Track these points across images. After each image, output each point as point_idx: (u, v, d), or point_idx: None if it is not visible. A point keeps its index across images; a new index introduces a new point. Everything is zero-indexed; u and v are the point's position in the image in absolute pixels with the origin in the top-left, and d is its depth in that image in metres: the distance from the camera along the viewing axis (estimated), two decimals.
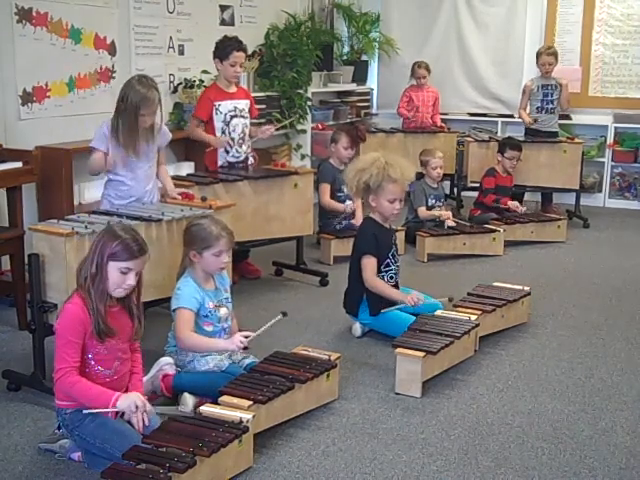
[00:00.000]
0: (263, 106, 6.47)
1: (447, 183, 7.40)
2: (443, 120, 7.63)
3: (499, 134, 7.95)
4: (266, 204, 4.80)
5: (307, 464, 2.90)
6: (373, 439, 3.10)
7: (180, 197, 4.11)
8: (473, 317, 3.96)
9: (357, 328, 4.20)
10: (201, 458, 2.61)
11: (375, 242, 4.13)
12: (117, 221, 3.48)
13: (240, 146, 5.02)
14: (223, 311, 3.50)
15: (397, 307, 4.05)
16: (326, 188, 5.69)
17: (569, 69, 7.80)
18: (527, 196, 7.22)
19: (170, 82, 5.94)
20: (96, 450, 2.78)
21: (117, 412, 2.79)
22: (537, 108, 7.04)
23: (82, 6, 5.07)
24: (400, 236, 5.51)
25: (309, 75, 7.19)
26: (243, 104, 5.03)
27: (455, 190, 7.31)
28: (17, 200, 4.34)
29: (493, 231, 5.87)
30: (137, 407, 2.75)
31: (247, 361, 3.47)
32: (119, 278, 2.83)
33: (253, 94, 5.77)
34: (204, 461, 2.62)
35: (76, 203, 4.84)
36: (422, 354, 3.47)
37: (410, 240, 5.86)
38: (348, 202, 5.71)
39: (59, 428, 2.95)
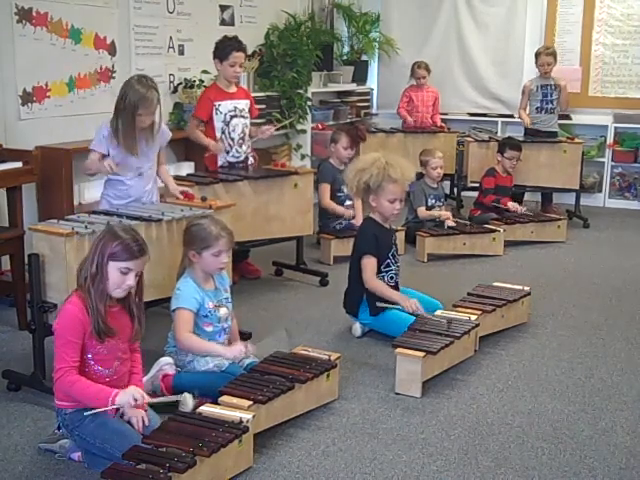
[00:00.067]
0: (263, 106, 6.47)
1: (447, 183, 7.40)
2: (443, 120, 7.63)
3: (499, 134, 7.95)
4: (266, 204, 4.80)
5: (307, 464, 2.90)
6: (373, 439, 3.10)
7: (182, 196, 4.11)
8: (473, 317, 3.96)
9: (357, 328, 4.20)
10: (201, 458, 2.61)
11: (375, 242, 4.13)
12: (117, 221, 3.48)
13: (240, 146, 5.01)
14: (223, 311, 3.50)
15: (395, 307, 4.05)
16: (326, 189, 5.69)
17: (569, 69, 7.80)
18: (527, 196, 7.22)
19: (170, 82, 5.95)
20: (96, 450, 2.78)
21: (117, 409, 2.79)
22: (537, 108, 7.04)
23: (82, 6, 5.07)
24: (400, 236, 5.51)
25: (309, 75, 7.19)
26: (243, 104, 5.03)
27: (455, 190, 7.31)
28: (17, 200, 4.34)
29: (493, 231, 5.87)
30: (136, 400, 2.75)
31: (247, 361, 3.47)
32: (119, 278, 2.83)
33: (253, 94, 5.77)
34: (204, 461, 2.62)
35: (76, 203, 4.84)
36: (422, 354, 3.47)
37: (410, 240, 5.86)
38: (348, 202, 5.72)
39: (59, 428, 2.95)
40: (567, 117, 7.77)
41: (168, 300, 3.48)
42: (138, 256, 2.85)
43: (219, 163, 4.98)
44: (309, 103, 7.27)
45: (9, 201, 4.36)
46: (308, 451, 3.00)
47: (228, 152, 4.97)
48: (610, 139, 7.76)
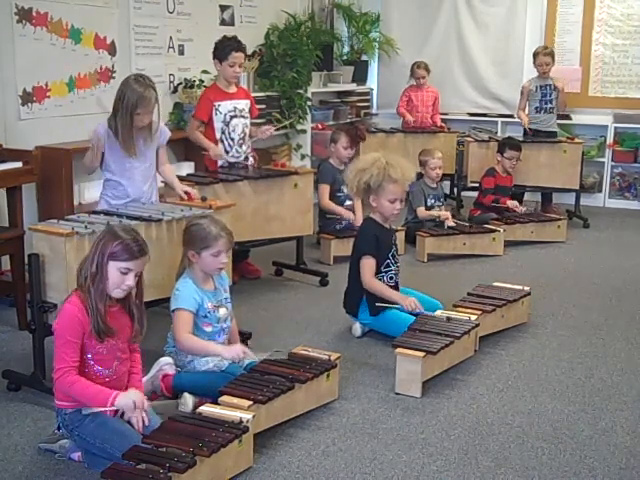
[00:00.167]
0: (263, 106, 6.47)
1: (447, 183, 7.40)
2: (443, 120, 7.63)
3: (499, 134, 7.95)
4: (266, 204, 4.80)
5: (307, 464, 2.90)
6: (373, 439, 3.10)
7: (186, 197, 4.10)
8: (473, 317, 3.96)
9: (357, 328, 4.20)
10: (201, 458, 2.61)
11: (375, 243, 4.13)
12: (117, 221, 3.48)
13: (240, 146, 5.01)
14: (222, 311, 3.50)
15: (394, 306, 4.05)
16: (325, 189, 5.69)
17: (569, 69, 7.81)
18: (527, 196, 7.22)
19: (170, 82, 5.95)
20: (96, 450, 2.78)
21: (116, 410, 2.79)
22: (536, 108, 7.04)
23: (82, 6, 5.07)
24: (400, 236, 5.51)
25: (309, 75, 7.19)
26: (243, 104, 5.02)
27: (455, 190, 7.31)
28: (17, 200, 4.34)
29: (493, 231, 5.87)
30: (135, 404, 2.74)
31: (247, 361, 3.47)
32: (118, 278, 2.83)
33: (253, 94, 5.77)
34: (204, 461, 2.62)
35: (76, 203, 4.84)
36: (422, 354, 3.47)
37: (410, 240, 5.86)
38: (348, 202, 5.71)
39: (59, 428, 2.94)
40: (567, 117, 7.77)
41: (168, 300, 3.48)
42: (138, 256, 2.85)
43: (219, 163, 4.97)
44: (309, 103, 7.27)
45: (9, 201, 4.36)
46: (308, 451, 3.00)
47: (228, 152, 4.97)
48: (610, 139, 7.76)
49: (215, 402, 3.02)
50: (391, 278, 4.21)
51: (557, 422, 3.26)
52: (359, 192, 4.21)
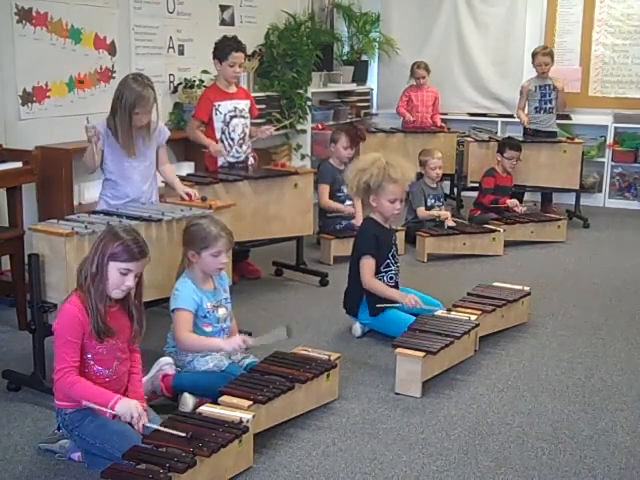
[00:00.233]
0: (263, 106, 6.47)
1: (447, 183, 7.40)
2: (443, 120, 7.63)
3: (499, 134, 7.95)
4: (266, 204, 4.80)
5: (307, 464, 2.90)
6: (373, 439, 3.10)
7: (187, 197, 4.09)
8: (473, 317, 3.96)
9: (357, 328, 4.20)
10: (201, 458, 2.61)
11: (375, 243, 4.13)
12: (117, 221, 3.48)
13: (240, 146, 5.01)
14: (222, 311, 3.50)
15: (394, 305, 4.05)
16: (325, 189, 5.69)
17: (569, 69, 7.81)
18: (527, 196, 7.21)
19: (170, 82, 5.95)
20: (96, 450, 2.78)
21: (115, 414, 2.79)
22: (535, 108, 7.04)
23: (82, 6, 5.07)
24: (400, 236, 5.51)
25: (309, 75, 7.19)
26: (243, 104, 5.02)
27: (455, 190, 7.32)
28: (17, 200, 4.34)
29: (493, 231, 5.87)
30: (132, 417, 2.74)
31: (247, 361, 3.47)
32: (118, 279, 2.82)
33: (253, 94, 5.77)
34: (204, 461, 2.62)
35: (76, 203, 4.84)
36: (422, 354, 3.47)
37: (410, 240, 5.86)
38: (348, 202, 5.71)
39: (59, 428, 2.94)
40: (567, 117, 7.77)
41: (168, 300, 3.48)
42: (138, 258, 2.85)
43: (219, 163, 4.97)
44: (309, 103, 7.27)
45: (9, 201, 4.36)
46: (308, 451, 3.00)
47: (228, 152, 4.97)
48: (610, 139, 7.76)
49: (215, 402, 3.02)
50: (391, 278, 4.21)
51: (557, 422, 3.26)
52: (359, 192, 4.21)
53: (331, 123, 7.69)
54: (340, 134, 5.78)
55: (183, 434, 2.68)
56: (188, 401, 3.24)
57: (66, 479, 2.79)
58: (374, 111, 8.68)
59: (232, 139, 4.96)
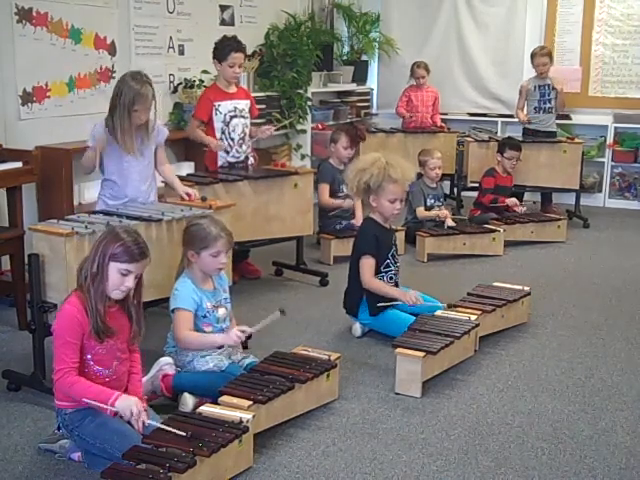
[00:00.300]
0: (263, 106, 6.47)
1: (447, 183, 7.41)
2: (443, 120, 7.64)
3: (499, 134, 7.95)
4: (266, 204, 4.80)
5: (307, 464, 2.90)
6: (373, 439, 3.10)
7: (188, 198, 4.09)
8: (473, 317, 3.96)
9: (357, 328, 4.20)
10: (201, 458, 2.61)
11: (375, 243, 4.13)
12: (117, 221, 3.48)
13: (240, 146, 5.01)
14: (221, 311, 3.50)
15: (395, 304, 4.05)
16: (325, 188, 5.69)
17: (569, 69, 7.81)
18: (527, 196, 7.21)
19: (170, 82, 5.95)
20: (96, 450, 2.78)
21: (116, 412, 2.79)
22: (534, 108, 7.05)
23: (82, 6, 5.07)
24: (400, 236, 5.51)
25: (309, 75, 7.19)
26: (243, 104, 5.02)
27: (455, 190, 7.32)
28: (17, 200, 4.34)
29: (493, 231, 5.87)
30: (132, 414, 2.74)
31: (247, 361, 3.47)
32: (118, 280, 2.82)
33: (253, 94, 5.77)
34: (204, 461, 2.62)
35: (76, 203, 4.84)
36: (422, 354, 3.47)
37: (410, 240, 5.86)
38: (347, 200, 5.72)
39: (59, 428, 2.94)
40: (567, 117, 7.77)
41: (167, 300, 3.48)
42: (139, 259, 2.85)
43: (219, 163, 4.97)
44: (309, 103, 7.27)
45: (9, 201, 4.36)
46: (308, 451, 3.00)
47: (228, 152, 4.97)
48: (610, 139, 7.76)
49: (215, 402, 3.02)
50: (391, 278, 4.21)
51: (557, 422, 3.26)
52: (359, 192, 4.21)
53: (331, 123, 7.69)
54: (340, 134, 5.78)
55: (183, 433, 2.68)
56: (188, 401, 3.24)
57: (66, 479, 2.79)
58: (374, 111, 8.68)
59: (232, 139, 4.96)
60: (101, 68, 5.27)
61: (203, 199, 4.10)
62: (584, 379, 3.70)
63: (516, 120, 7.38)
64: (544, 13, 7.96)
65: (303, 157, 7.38)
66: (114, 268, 2.81)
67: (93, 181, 4.73)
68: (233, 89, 5.00)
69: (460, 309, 4.08)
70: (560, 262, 5.74)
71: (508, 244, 5.94)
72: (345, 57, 8.25)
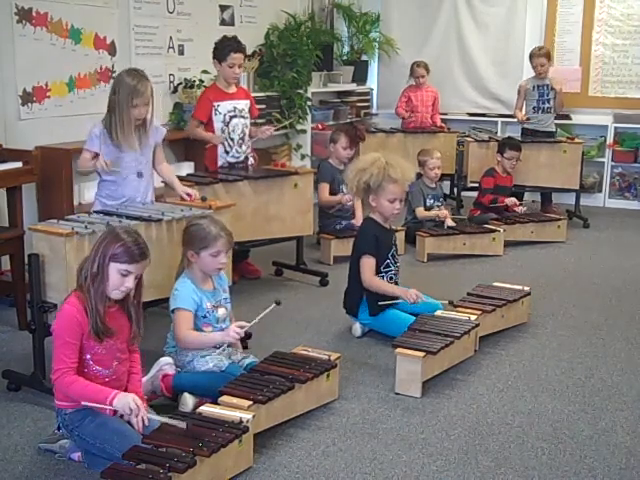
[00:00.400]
0: (263, 106, 6.48)
1: (447, 183, 7.41)
2: (443, 120, 7.64)
3: (499, 134, 7.96)
4: (266, 204, 4.80)
5: (307, 464, 2.90)
6: (373, 439, 3.10)
7: (188, 198, 4.08)
8: (473, 317, 3.96)
9: (357, 328, 4.20)
10: (201, 458, 2.61)
11: (375, 243, 4.13)
12: (117, 221, 3.48)
13: (240, 146, 5.01)
14: (221, 311, 3.50)
15: (395, 302, 4.05)
16: (325, 187, 5.70)
17: (569, 69, 7.81)
18: (526, 196, 7.21)
19: (170, 82, 5.94)
20: (96, 450, 2.78)
21: (116, 410, 2.79)
22: (533, 108, 7.05)
23: (82, 6, 5.07)
24: (400, 236, 5.51)
25: (309, 75, 7.19)
26: (243, 104, 5.02)
27: (455, 190, 7.32)
28: (17, 200, 4.34)
29: (493, 231, 5.87)
30: (131, 410, 2.74)
31: (247, 361, 3.47)
32: (118, 280, 2.82)
33: (253, 94, 5.77)
34: (204, 461, 2.62)
35: (76, 203, 4.84)
36: (422, 354, 3.47)
37: (410, 240, 5.86)
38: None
39: (59, 428, 2.94)
40: (567, 117, 7.77)
41: (167, 300, 3.48)
42: (139, 260, 2.84)
43: (219, 163, 4.97)
44: (309, 103, 7.27)
45: (9, 201, 4.36)
46: (308, 451, 3.00)
47: (228, 152, 4.97)
48: (610, 139, 7.76)
49: (215, 402, 3.02)
50: (391, 278, 4.21)
51: (557, 422, 3.26)
52: (359, 192, 4.22)
53: (331, 123, 7.69)
54: (339, 134, 5.78)
55: (183, 425, 2.68)
56: (188, 401, 3.24)
57: (66, 479, 2.79)
58: (374, 111, 8.68)
59: (232, 139, 4.96)
60: (101, 68, 5.27)
61: (203, 199, 4.10)
62: (584, 379, 3.70)
63: (516, 120, 7.38)
64: (544, 13, 7.96)
65: (303, 157, 7.38)
66: (114, 268, 2.81)
67: (93, 181, 4.71)
68: (233, 89, 5.00)
69: (460, 309, 4.08)
70: (560, 262, 5.74)
71: (508, 244, 5.94)
72: (345, 57, 8.25)
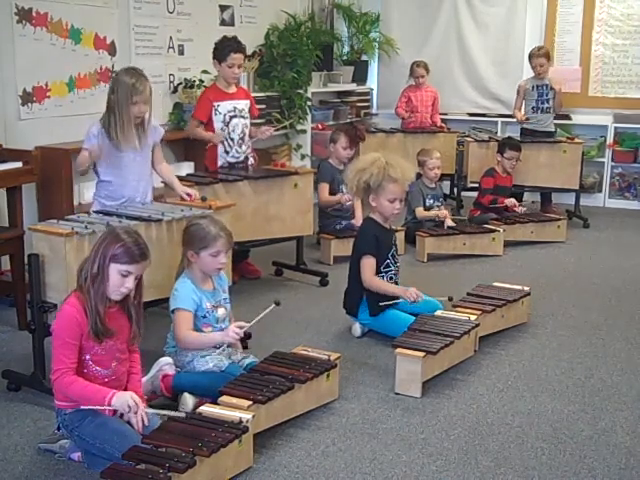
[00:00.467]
0: (263, 106, 6.48)
1: (447, 183, 7.41)
2: (443, 120, 7.64)
3: (499, 134, 7.96)
4: (266, 204, 4.80)
5: (307, 464, 2.90)
6: (373, 439, 3.10)
7: (188, 198, 4.08)
8: (473, 317, 3.96)
9: (357, 328, 4.20)
10: (201, 458, 2.61)
11: (375, 243, 4.13)
12: (117, 221, 3.48)
13: (240, 146, 5.01)
14: (221, 311, 3.50)
15: (396, 302, 4.06)
16: (325, 187, 5.70)
17: (569, 69, 7.81)
18: (526, 196, 7.22)
19: (170, 82, 5.94)
20: (96, 450, 2.78)
21: (115, 410, 2.79)
22: (532, 108, 7.05)
23: (82, 6, 5.07)
24: (400, 236, 5.52)
25: (309, 75, 7.19)
26: (243, 104, 5.02)
27: (455, 190, 7.32)
28: (17, 200, 4.34)
29: (493, 231, 5.87)
30: (130, 407, 2.74)
31: (247, 361, 3.47)
32: (118, 281, 2.82)
33: (253, 94, 5.77)
34: (204, 461, 2.62)
35: (76, 203, 4.84)
36: (422, 354, 3.47)
37: (410, 240, 5.86)
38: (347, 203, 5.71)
39: (59, 428, 2.94)
40: (567, 117, 7.77)
41: (167, 300, 3.48)
42: (139, 260, 2.84)
43: (219, 163, 4.97)
44: (309, 103, 7.27)
45: (9, 201, 4.36)
46: (308, 451, 3.00)
47: (228, 152, 4.97)
48: (610, 139, 7.76)
49: (215, 402, 3.02)
50: (391, 278, 4.21)
51: (557, 422, 3.26)
52: (359, 192, 4.22)
53: (331, 123, 7.69)
54: (339, 134, 5.78)
55: (182, 414, 2.72)
56: (188, 401, 3.24)
57: (66, 479, 2.79)
58: (374, 111, 8.68)
59: (232, 139, 4.96)
60: (101, 68, 5.27)
61: (203, 199, 4.09)
62: (584, 379, 3.70)
63: (515, 120, 7.38)
64: (544, 13, 7.96)
65: (303, 157, 7.38)
66: (114, 269, 2.81)
67: (93, 181, 4.69)
68: (233, 89, 5.00)
69: (460, 309, 4.08)
70: (560, 262, 5.74)
71: (508, 244, 5.94)
72: (345, 57, 8.25)
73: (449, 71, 8.23)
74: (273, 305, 3.36)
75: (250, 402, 2.97)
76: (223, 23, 6.49)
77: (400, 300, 4.06)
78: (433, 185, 6.18)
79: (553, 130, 7.16)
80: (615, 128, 7.75)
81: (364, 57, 8.38)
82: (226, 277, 3.67)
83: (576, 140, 6.97)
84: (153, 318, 3.82)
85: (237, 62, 4.86)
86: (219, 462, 2.69)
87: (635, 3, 7.59)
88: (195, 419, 2.86)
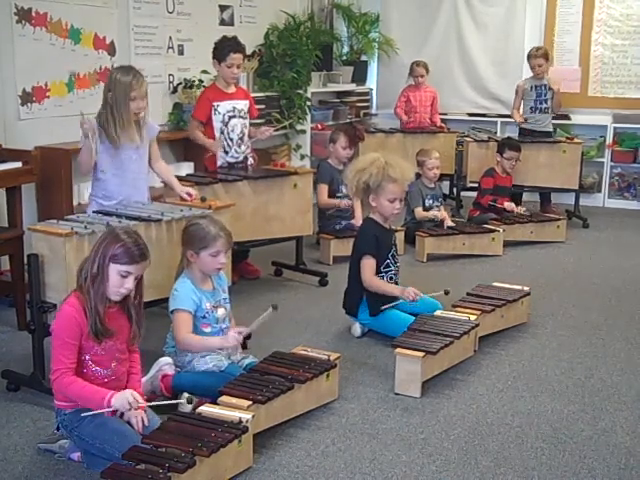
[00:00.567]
0: (263, 106, 6.48)
1: (446, 183, 7.41)
2: (442, 120, 7.64)
3: (498, 134, 7.96)
4: (266, 204, 4.80)
5: (307, 464, 2.90)
6: (373, 439, 3.10)
7: (188, 198, 4.07)
8: (473, 317, 3.96)
9: (357, 328, 4.20)
10: (201, 458, 2.61)
11: (375, 243, 4.13)
12: (116, 221, 3.48)
13: (239, 146, 5.01)
14: (221, 312, 3.50)
15: (396, 302, 4.05)
16: (324, 189, 5.69)
17: (568, 69, 7.81)
18: (526, 196, 7.22)
19: (170, 82, 5.94)
20: (95, 450, 2.78)
21: (115, 410, 2.79)
22: (531, 108, 7.05)
23: (82, 6, 5.06)
24: (400, 236, 5.52)
25: (309, 75, 7.19)
26: (242, 104, 5.02)
27: (455, 190, 7.32)
28: (17, 200, 4.34)
29: (492, 231, 5.87)
30: (130, 404, 2.74)
31: (247, 361, 3.47)
32: (118, 281, 2.82)
33: (253, 94, 5.77)
34: (204, 461, 2.62)
35: (75, 203, 4.83)
36: (422, 354, 3.47)
37: (410, 240, 5.86)
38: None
39: (58, 428, 2.94)
40: (566, 117, 7.78)
41: (167, 300, 3.48)
42: (139, 260, 2.84)
43: (218, 163, 4.97)
44: (308, 103, 7.27)
45: (9, 201, 4.35)
46: (308, 451, 3.00)
47: (227, 152, 4.97)
48: (609, 139, 7.76)
49: (214, 402, 3.01)
50: (391, 278, 4.21)
51: (557, 422, 3.26)
52: (358, 192, 4.21)
53: (330, 123, 7.69)
54: (339, 134, 5.78)
55: (183, 400, 2.77)
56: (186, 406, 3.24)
57: (66, 479, 2.79)
58: (373, 111, 8.68)
59: (231, 139, 4.96)
60: (101, 68, 5.27)
61: (203, 199, 4.09)
62: (584, 379, 3.70)
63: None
64: (543, 13, 7.96)
65: (302, 157, 7.38)
66: (114, 269, 2.80)
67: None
68: (232, 89, 5.00)
69: (460, 309, 4.08)
70: (560, 262, 5.74)
71: (507, 244, 5.94)
72: (345, 57, 8.25)
73: (449, 71, 8.23)
74: (271, 309, 3.35)
75: (250, 402, 2.97)
76: (223, 23, 6.49)
77: (400, 301, 4.06)
78: (432, 185, 6.18)
79: (551, 130, 7.17)
80: (614, 128, 7.75)
81: (364, 57, 8.38)
82: (226, 277, 3.67)
83: (575, 140, 6.97)
84: (153, 318, 3.80)
85: (236, 62, 4.86)
86: (219, 462, 2.69)
87: (634, 3, 7.59)
88: (195, 419, 2.86)
